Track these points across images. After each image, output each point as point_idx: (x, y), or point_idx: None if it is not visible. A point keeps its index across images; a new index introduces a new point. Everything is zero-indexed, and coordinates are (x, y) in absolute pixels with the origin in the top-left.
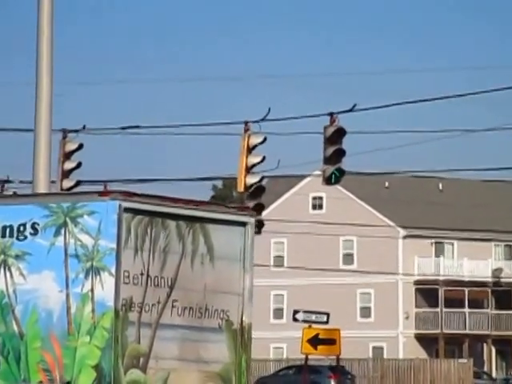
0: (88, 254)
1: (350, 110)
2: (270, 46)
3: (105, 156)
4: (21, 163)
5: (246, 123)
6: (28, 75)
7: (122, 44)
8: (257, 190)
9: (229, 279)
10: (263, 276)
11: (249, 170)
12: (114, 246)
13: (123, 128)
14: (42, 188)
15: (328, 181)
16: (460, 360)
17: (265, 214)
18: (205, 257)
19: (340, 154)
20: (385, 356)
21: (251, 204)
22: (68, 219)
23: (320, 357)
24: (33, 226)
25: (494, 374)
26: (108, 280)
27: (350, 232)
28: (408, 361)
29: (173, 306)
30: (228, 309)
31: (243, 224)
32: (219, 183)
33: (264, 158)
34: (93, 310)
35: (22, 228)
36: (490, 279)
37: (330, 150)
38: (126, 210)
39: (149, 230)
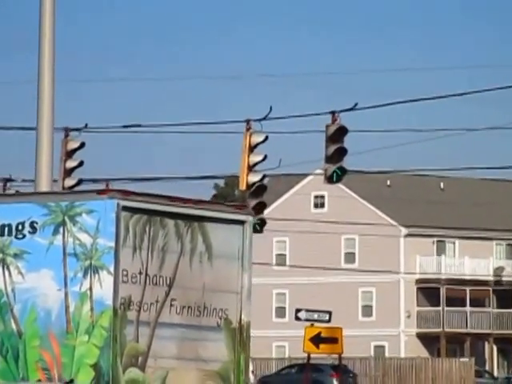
0: (86, 253)
1: (352, 109)
2: (271, 44)
3: (106, 154)
4: (23, 161)
5: (247, 122)
6: (30, 73)
7: (123, 43)
8: (258, 189)
9: (227, 278)
10: (265, 275)
11: (251, 168)
12: (113, 244)
13: (125, 126)
14: (44, 186)
15: (330, 179)
16: (461, 359)
17: (267, 212)
18: (203, 255)
19: (342, 152)
20: (386, 355)
21: (253, 202)
22: (66, 218)
23: (322, 355)
24: (31, 225)
25: (495, 373)
26: (106, 279)
27: (352, 231)
28: (410, 359)
29: (171, 305)
30: (227, 307)
31: (241, 222)
32: (221, 182)
33: (265, 157)
34: (91, 309)
35: (20, 227)
36: (491, 278)
37: (332, 148)
38: (125, 208)
39: (147, 229)
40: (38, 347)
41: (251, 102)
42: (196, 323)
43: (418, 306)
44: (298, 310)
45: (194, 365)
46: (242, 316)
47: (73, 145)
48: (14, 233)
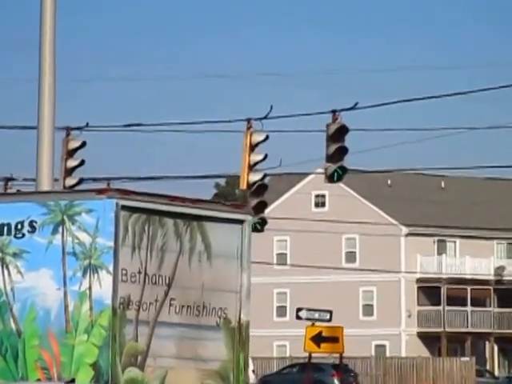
0: (86, 252)
1: (353, 108)
2: (271, 44)
3: (107, 154)
4: (24, 160)
5: (248, 121)
6: (31, 72)
7: (123, 42)
8: (259, 188)
9: (226, 277)
10: (266, 274)
11: (251, 167)
12: (112, 244)
13: (126, 126)
14: (45, 186)
15: (330, 179)
16: (462, 358)
17: (267, 211)
18: (202, 255)
19: (342, 151)
20: (387, 354)
21: (254, 202)
22: (66, 217)
23: (323, 355)
24: (30, 224)
25: (496, 373)
26: (106, 278)
27: (353, 230)
28: (410, 359)
29: (170, 304)
30: (226, 307)
31: (240, 222)
32: (222, 181)
33: (266, 156)
34: (90, 308)
35: (19, 226)
36: (492, 277)
37: (333, 147)
38: (124, 207)
39: (146, 228)
40: (38, 346)
41: (252, 101)
42: (195, 322)
43: (418, 305)
44: (298, 310)
45: (193, 364)
46: (241, 315)
47: (74, 144)
48: (13, 232)
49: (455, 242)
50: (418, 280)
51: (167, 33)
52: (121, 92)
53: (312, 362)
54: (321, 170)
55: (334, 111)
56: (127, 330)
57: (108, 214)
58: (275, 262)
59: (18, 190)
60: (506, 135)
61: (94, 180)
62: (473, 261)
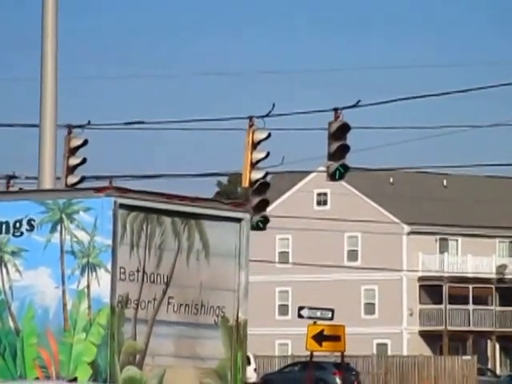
0: (84, 251)
1: (355, 106)
2: (273, 42)
3: (109, 152)
4: (27, 158)
5: (250, 119)
6: (33, 71)
7: (125, 40)
8: (261, 186)
9: (224, 275)
10: (268, 272)
11: (253, 165)
12: (110, 242)
13: (128, 123)
14: (47, 184)
15: (332, 177)
16: (464, 357)
17: (269, 210)
18: (200, 253)
19: (344, 149)
20: (389, 353)
21: (256, 200)
22: (64, 215)
23: (325, 353)
24: (29, 223)
25: (498, 371)
26: (104, 276)
27: (355, 228)
28: (412, 357)
29: (169, 303)
30: (224, 305)
31: (238, 220)
32: (224, 179)
33: (268, 154)
34: (89, 307)
35: (18, 224)
36: (494, 276)
37: (335, 145)
38: (122, 206)
39: (144, 227)
40: (36, 345)
41: (253, 100)
42: (193, 321)
43: (420, 303)
44: (300, 308)
45: (191, 363)
46: (239, 314)
47: (76, 142)
48: (11, 230)
49: (457, 240)
50: (420, 278)
51: (168, 32)
52: (122, 90)
53: (314, 361)
54: (323, 168)
55: (335, 109)
56: (125, 329)
57: (106, 213)
58: (277, 260)
59: (21, 188)
60: (508, 133)
61: (97, 178)
62: (475, 259)
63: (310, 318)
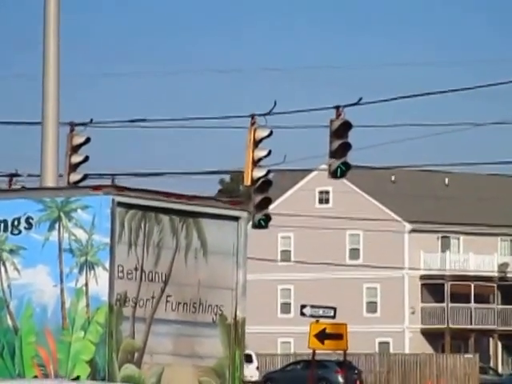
0: (82, 249)
1: (356, 104)
2: (274, 39)
3: (112, 149)
4: (29, 156)
5: (252, 116)
6: (35, 68)
7: (127, 38)
8: (264, 184)
9: (222, 274)
10: (270, 270)
11: (255, 163)
12: (108, 240)
13: (130, 121)
14: (49, 181)
15: (334, 175)
16: (466, 355)
17: (271, 208)
18: (198, 251)
19: (346, 147)
20: (391, 351)
21: (258, 198)
22: (62, 213)
23: (327, 351)
24: (27, 221)
25: (499, 369)
26: (102, 275)
27: (357, 226)
28: (414, 356)
29: (167, 301)
30: (222, 304)
31: (236, 218)
32: (227, 177)
33: (270, 152)
34: (87, 305)
35: (16, 222)
36: (496, 274)
37: (336, 143)
38: (120, 204)
39: (142, 225)
40: (34, 343)
41: (255, 97)
42: (191, 319)
43: (422, 302)
44: (303, 306)
45: (189, 361)
46: (237, 312)
47: (78, 140)
48: (9, 228)
49: (459, 238)
50: (422, 277)
51: (169, 30)
52: (124, 88)
53: (316, 359)
54: (324, 166)
55: (337, 107)
56: (124, 327)
57: (104, 211)
58: (279, 258)
59: (23, 186)
60: (510, 131)
61: (99, 176)
62: (476, 257)
63: (312, 316)
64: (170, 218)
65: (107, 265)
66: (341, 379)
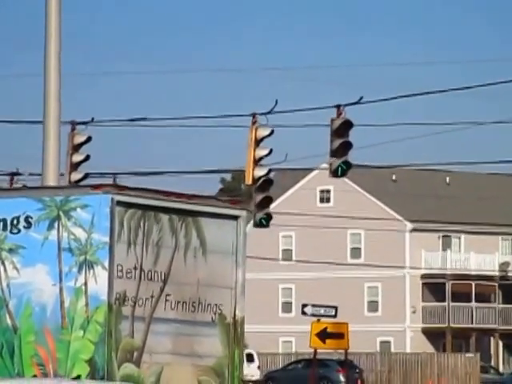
0: (81, 248)
1: (357, 103)
2: (275, 38)
3: (113, 148)
4: (30, 155)
5: (253, 115)
6: (36, 67)
7: (128, 37)
8: (265, 183)
9: (221, 273)
10: (272, 270)
11: (256, 162)
12: (107, 239)
13: (131, 120)
14: (51, 180)
15: (334, 174)
16: (467, 354)
17: (272, 207)
18: (197, 250)
19: (347, 146)
20: (392, 350)
21: (259, 197)
22: (61, 213)
23: (328, 351)
24: (26, 220)
25: (500, 369)
26: (101, 274)
27: (358, 225)
28: (415, 355)
29: (166, 300)
30: (221, 303)
31: (235, 217)
32: (228, 176)
33: (271, 151)
34: (86, 304)
35: (15, 221)
36: (497, 273)
37: (337, 142)
38: (119, 203)
39: (141, 224)
40: (34, 342)
41: (256, 96)
42: (191, 318)
43: (423, 301)
44: (304, 305)
45: (188, 360)
46: (236, 311)
47: (79, 139)
48: (9, 228)
49: (460, 237)
50: (423, 276)
51: (170, 29)
52: (125, 87)
53: (317, 358)
54: (325, 165)
55: (338, 106)
56: (123, 326)
57: (103, 210)
58: (280, 257)
59: (24, 185)
60: (511, 130)
61: (100, 175)
62: (477, 257)
63: (313, 315)
64: (169, 217)
65: (106, 264)
66: (342, 378)
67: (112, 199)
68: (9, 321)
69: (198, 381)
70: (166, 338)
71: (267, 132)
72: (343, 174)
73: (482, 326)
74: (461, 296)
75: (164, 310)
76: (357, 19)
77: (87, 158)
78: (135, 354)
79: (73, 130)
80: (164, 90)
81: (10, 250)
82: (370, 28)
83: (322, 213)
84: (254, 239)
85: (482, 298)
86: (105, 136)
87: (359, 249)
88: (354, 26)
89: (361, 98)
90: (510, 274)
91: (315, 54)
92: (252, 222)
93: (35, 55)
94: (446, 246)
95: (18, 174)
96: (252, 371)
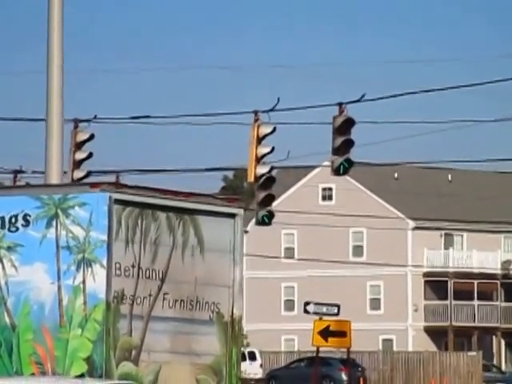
0: (79, 246)
1: (359, 100)
2: (277, 37)
3: (115, 146)
4: (34, 153)
5: (255, 113)
6: (39, 64)
7: (130, 36)
8: (267, 181)
9: (219, 271)
10: (274, 268)
11: (259, 160)
12: (105, 237)
13: (133, 118)
14: (54, 178)
15: (336, 171)
16: (469, 353)
17: (274, 205)
18: (195, 249)
19: (349, 144)
20: (394, 348)
21: (262, 195)
22: (59, 211)
23: (331, 349)
24: (24, 218)
25: (503, 367)
26: (99, 272)
27: (360, 224)
28: (417, 353)
29: (164, 299)
30: (219, 301)
31: (232, 216)
32: (230, 174)
33: (273, 149)
34: (84, 303)
35: (13, 219)
36: (499, 271)
37: (339, 140)
38: (117, 201)
39: (139, 222)
40: (32, 341)
41: (258, 94)
42: (188, 317)
43: (425, 299)
44: (306, 304)
45: (186, 358)
46: (234, 310)
47: (82, 136)
48: (7, 226)
49: (462, 235)
50: (425, 274)
51: (172, 27)
52: (128, 85)
53: (320, 357)
54: (327, 163)
55: (340, 103)
56: (121, 325)
57: (101, 208)
58: (283, 255)
59: (27, 183)
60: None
61: (103, 173)
62: (480, 255)
63: (315, 313)
64: (166, 215)
65: (104, 262)
66: (344, 377)
67: (110, 197)
68: (7, 319)
69: (196, 379)
70: (164, 336)
71: (269, 130)
72: (345, 172)
73: (484, 324)
74: (463, 294)
75: (162, 309)
76: (358, 18)
77: (90, 155)
78: (133, 352)
79: (76, 127)
80: (166, 87)
81: (9, 248)
82: (371, 27)
83: (324, 211)
84: (256, 237)
85: (484, 296)
86: (108, 134)
87: (361, 247)
88: (356, 24)
89: (363, 95)
90: None
91: (317, 52)
92: (254, 219)
93: (37, 53)
94: (448, 244)
95: (21, 171)
96: (254, 369)
